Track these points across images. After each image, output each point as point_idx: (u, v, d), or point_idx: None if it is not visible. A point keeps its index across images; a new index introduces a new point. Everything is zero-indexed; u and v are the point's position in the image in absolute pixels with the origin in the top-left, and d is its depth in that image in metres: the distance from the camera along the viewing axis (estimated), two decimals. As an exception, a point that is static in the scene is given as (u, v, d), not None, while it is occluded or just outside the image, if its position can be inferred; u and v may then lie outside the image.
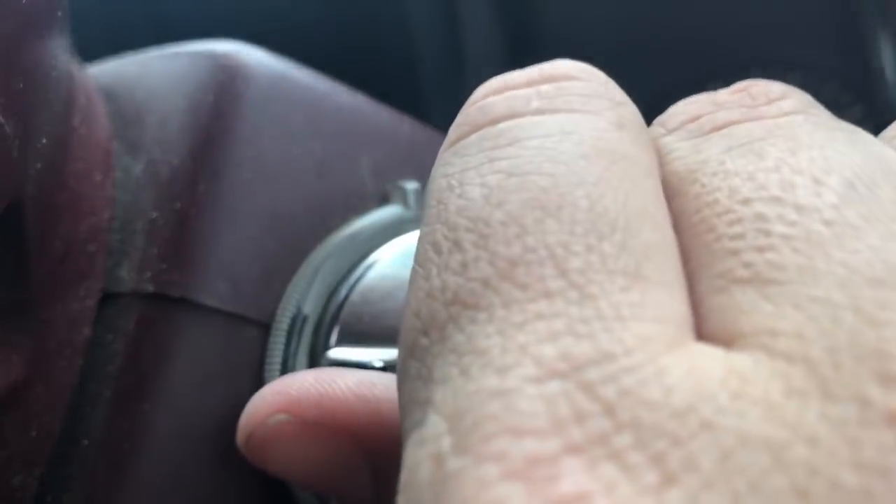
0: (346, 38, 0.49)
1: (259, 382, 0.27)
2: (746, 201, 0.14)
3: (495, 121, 0.16)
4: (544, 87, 0.17)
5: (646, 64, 0.49)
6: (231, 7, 0.47)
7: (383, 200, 0.30)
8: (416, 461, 0.13)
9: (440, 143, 0.31)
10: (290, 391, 0.23)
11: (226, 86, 0.28)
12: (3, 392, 0.24)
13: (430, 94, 0.51)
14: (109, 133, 0.28)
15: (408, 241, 0.28)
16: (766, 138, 0.16)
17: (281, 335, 0.27)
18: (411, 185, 0.29)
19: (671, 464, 0.11)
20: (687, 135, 0.17)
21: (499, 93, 0.17)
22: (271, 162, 0.28)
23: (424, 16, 0.49)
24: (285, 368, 0.27)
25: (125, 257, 0.27)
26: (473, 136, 0.16)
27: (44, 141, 0.24)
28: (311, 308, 0.27)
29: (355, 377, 0.22)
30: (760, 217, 0.14)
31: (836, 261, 0.13)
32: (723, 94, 0.18)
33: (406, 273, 0.28)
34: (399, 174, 0.30)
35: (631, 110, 0.17)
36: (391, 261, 0.28)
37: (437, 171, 0.17)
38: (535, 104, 0.16)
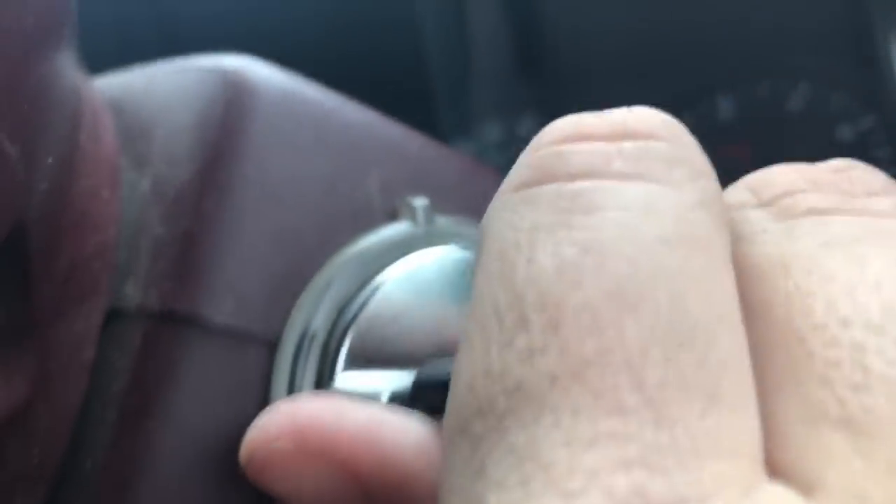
0: (356, 42, 0.48)
1: (265, 402, 0.26)
2: (845, 322, 0.13)
3: (572, 176, 0.15)
4: (627, 146, 0.15)
5: (655, 71, 0.49)
6: (239, 6, 0.47)
7: (392, 217, 0.29)
8: None
9: (449, 159, 0.31)
10: (296, 418, 0.22)
11: (234, 102, 0.27)
12: (7, 414, 0.23)
13: (439, 98, 0.51)
14: (116, 148, 0.28)
15: (416, 262, 0.28)
16: (867, 241, 0.14)
17: (288, 354, 0.27)
18: (420, 202, 0.29)
19: None
20: (780, 214, 0.16)
21: (576, 140, 0.16)
22: (279, 178, 0.27)
23: (433, 21, 0.49)
24: (292, 388, 0.27)
25: (130, 274, 0.26)
26: (547, 189, 0.15)
27: (50, 161, 0.23)
28: (318, 327, 0.27)
29: (365, 414, 0.22)
30: (859, 347, 0.13)
31: None
32: (820, 171, 0.16)
33: (414, 296, 0.28)
34: (408, 190, 0.30)
35: (712, 185, 0.16)
36: (400, 282, 0.28)
37: (502, 216, 0.15)
38: (617, 166, 0.15)
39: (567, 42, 0.50)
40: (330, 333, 0.27)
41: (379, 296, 0.27)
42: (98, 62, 0.30)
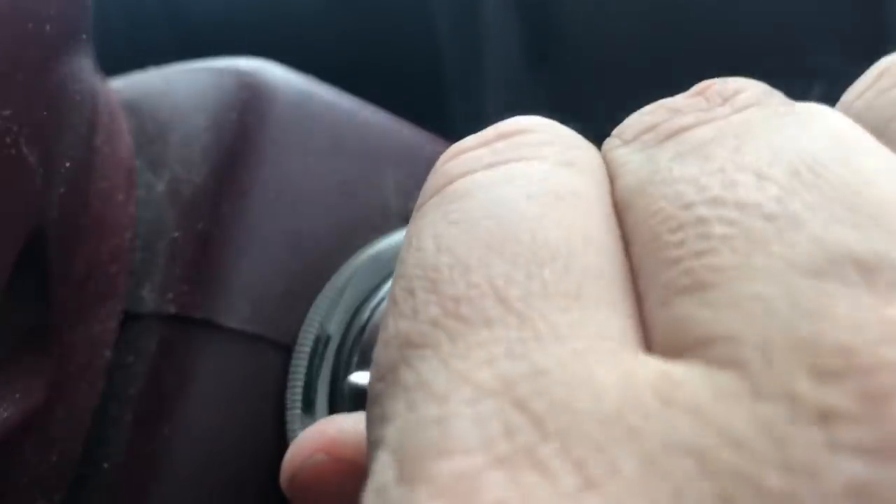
0: (368, 39, 0.48)
1: (281, 405, 0.27)
2: (688, 206, 0.14)
3: (451, 181, 0.17)
4: (497, 144, 0.17)
5: (668, 68, 0.49)
6: (253, 8, 0.47)
7: (407, 220, 0.29)
8: (365, 498, 0.13)
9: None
10: (327, 432, 0.23)
11: (250, 104, 0.27)
12: (25, 417, 0.24)
13: (451, 94, 0.51)
14: (132, 150, 0.28)
15: None
16: (716, 139, 0.16)
17: (303, 357, 0.27)
18: (435, 205, 0.29)
19: (593, 469, 0.11)
20: (641, 146, 0.17)
21: (456, 157, 0.17)
22: (295, 181, 0.27)
23: (446, 18, 0.49)
24: (307, 391, 0.27)
25: (147, 277, 0.27)
26: (433, 199, 0.17)
27: (67, 165, 0.23)
28: (334, 330, 0.27)
29: None
30: (701, 220, 0.14)
31: (774, 255, 0.13)
32: (679, 99, 0.17)
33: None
34: (423, 192, 0.30)
35: (585, 152, 0.17)
36: None
37: (407, 232, 0.17)
38: (486, 160, 0.17)
39: (580, 38, 0.50)
40: (345, 336, 0.27)
41: None
42: (114, 64, 0.30)
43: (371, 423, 0.15)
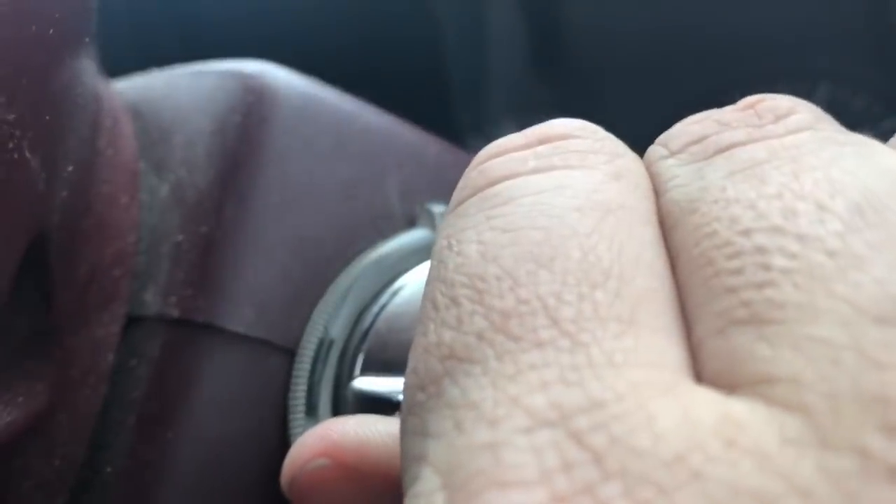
0: (374, 43, 0.48)
1: (284, 409, 0.26)
2: (746, 232, 0.14)
3: (493, 182, 0.16)
4: (541, 148, 0.17)
5: (673, 72, 0.49)
6: (257, 11, 0.47)
7: (411, 223, 0.29)
8: None
9: (467, 165, 0.31)
10: (330, 436, 0.22)
11: (253, 107, 0.27)
12: (27, 422, 0.23)
13: (456, 98, 0.51)
14: (135, 153, 0.28)
15: None
16: (770, 161, 0.15)
17: (306, 361, 0.27)
18: (439, 209, 0.29)
19: None
20: (689, 158, 0.17)
21: (498, 156, 0.17)
22: (298, 185, 0.27)
23: (451, 22, 0.49)
24: (310, 395, 0.27)
25: (150, 281, 0.27)
26: (473, 199, 0.16)
27: (70, 169, 0.23)
28: (337, 333, 0.27)
29: (395, 425, 0.22)
30: (760, 250, 0.14)
31: (838, 296, 0.13)
32: (728, 112, 0.17)
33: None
34: (426, 195, 0.30)
35: (629, 161, 0.17)
36: (417, 287, 0.28)
37: (440, 232, 0.17)
38: (531, 164, 0.16)
39: (584, 42, 0.50)
40: (348, 340, 0.27)
41: (396, 301, 0.27)
42: (118, 66, 0.30)
43: (409, 436, 0.14)
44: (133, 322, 0.26)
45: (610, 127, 0.18)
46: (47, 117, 0.21)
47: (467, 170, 0.18)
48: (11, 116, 0.20)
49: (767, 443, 0.12)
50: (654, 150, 0.18)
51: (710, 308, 0.14)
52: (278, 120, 0.27)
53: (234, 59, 0.29)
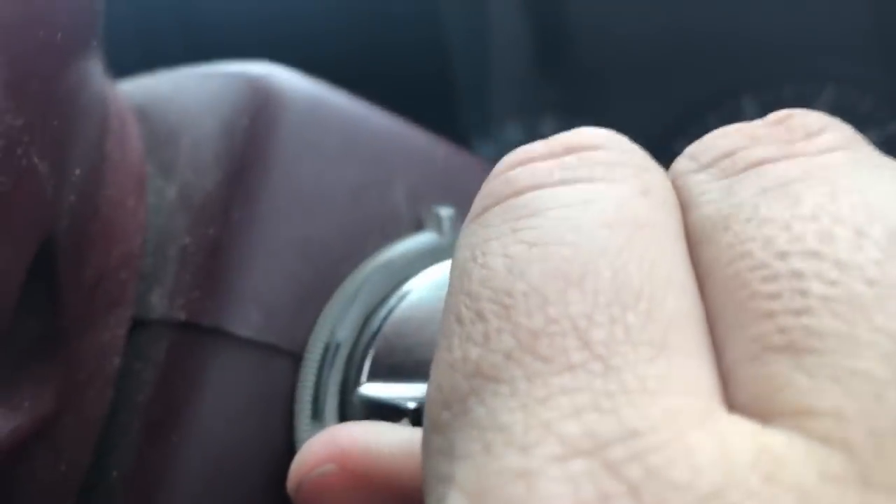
0: (380, 44, 0.48)
1: (289, 413, 0.26)
2: (783, 255, 0.14)
3: (518, 192, 0.16)
4: (567, 158, 0.16)
5: (678, 73, 0.49)
6: (263, 13, 0.47)
7: (418, 226, 0.29)
8: None
9: (474, 168, 0.31)
10: (338, 442, 0.22)
11: (261, 110, 0.27)
12: (33, 425, 0.23)
13: (461, 99, 0.51)
14: (142, 155, 0.28)
15: (442, 271, 0.28)
16: (804, 179, 0.15)
17: (313, 365, 0.27)
18: (446, 212, 0.29)
19: None
20: (720, 173, 0.16)
21: (522, 164, 0.17)
22: (306, 188, 0.27)
23: (456, 24, 0.48)
24: (316, 399, 0.27)
25: (157, 283, 0.26)
26: (497, 208, 0.16)
27: (78, 173, 0.23)
28: (344, 337, 0.27)
29: (403, 434, 0.22)
30: (797, 274, 0.13)
31: (879, 328, 0.12)
32: (759, 126, 0.17)
33: (439, 304, 0.28)
34: (434, 198, 0.30)
35: (657, 176, 0.17)
36: (425, 291, 0.28)
37: (462, 241, 0.17)
38: (557, 175, 0.16)
39: (589, 43, 0.50)
40: (355, 344, 0.27)
41: (403, 306, 0.27)
42: (124, 69, 0.30)
43: (433, 454, 0.14)
44: (139, 325, 0.26)
45: (614, 128, 0.18)
46: (55, 122, 0.21)
47: (490, 177, 0.17)
48: (20, 122, 0.20)
49: (807, 478, 0.11)
50: (682, 162, 0.17)
51: (744, 332, 0.13)
52: (285, 122, 0.27)
53: (241, 61, 0.29)
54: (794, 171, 0.15)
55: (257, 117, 0.27)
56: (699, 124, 0.47)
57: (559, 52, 0.50)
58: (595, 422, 0.12)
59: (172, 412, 0.25)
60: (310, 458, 0.23)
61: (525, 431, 0.13)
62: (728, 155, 0.16)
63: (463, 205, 0.30)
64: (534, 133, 0.50)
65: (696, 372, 0.13)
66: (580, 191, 0.16)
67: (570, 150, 0.17)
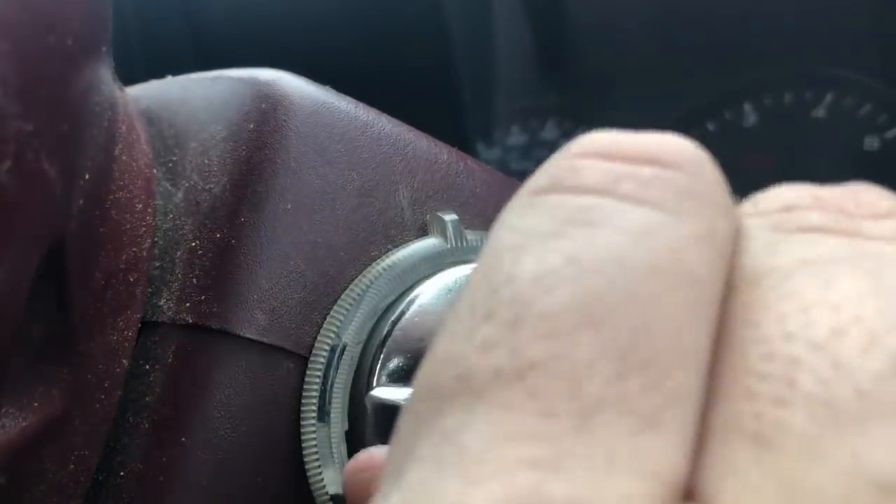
0: (385, 50, 0.48)
1: (296, 415, 0.27)
2: (788, 337, 0.13)
3: (581, 190, 0.15)
4: (643, 171, 0.15)
5: (680, 79, 0.49)
6: (271, 16, 0.47)
7: (421, 230, 0.29)
8: None
9: (477, 172, 0.31)
10: (377, 458, 0.24)
11: (268, 115, 0.28)
12: (43, 426, 0.24)
13: (464, 104, 0.51)
14: (150, 159, 0.28)
15: (451, 277, 0.28)
16: (848, 263, 0.14)
17: (318, 367, 0.27)
18: (450, 217, 0.29)
19: None
20: (772, 226, 0.16)
21: (596, 157, 0.16)
22: (312, 192, 0.28)
23: (460, 30, 0.49)
24: (322, 401, 0.27)
25: (164, 286, 0.27)
26: (554, 198, 0.15)
27: (87, 176, 0.23)
28: (350, 339, 0.27)
29: None
30: (793, 362, 0.13)
31: (847, 445, 0.12)
32: (828, 190, 0.16)
33: (448, 309, 0.28)
34: (437, 203, 0.30)
35: (724, 220, 0.15)
36: (434, 296, 0.28)
37: (507, 217, 0.15)
38: (626, 187, 0.15)
39: (591, 50, 0.50)
40: (364, 349, 0.27)
41: (414, 310, 0.28)
42: (132, 72, 0.30)
43: (401, 437, 0.14)
44: (147, 327, 0.26)
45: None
46: (65, 127, 0.22)
47: (560, 156, 0.16)
48: (30, 127, 0.20)
49: None
50: (745, 205, 0.17)
51: (727, 404, 0.13)
52: (292, 127, 0.28)
53: (247, 67, 0.30)
54: (842, 250, 0.14)
55: (264, 122, 0.28)
56: (700, 130, 0.47)
57: (562, 58, 0.50)
58: (547, 481, 0.12)
59: (180, 413, 0.26)
60: (356, 464, 0.24)
61: (478, 462, 0.12)
62: (787, 209, 0.16)
63: (465, 208, 0.30)
64: (536, 137, 0.51)
65: (671, 457, 0.13)
66: (642, 217, 0.14)
67: (651, 161, 0.15)
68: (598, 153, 0.16)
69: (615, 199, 0.15)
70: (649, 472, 0.12)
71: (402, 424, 0.14)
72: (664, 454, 0.13)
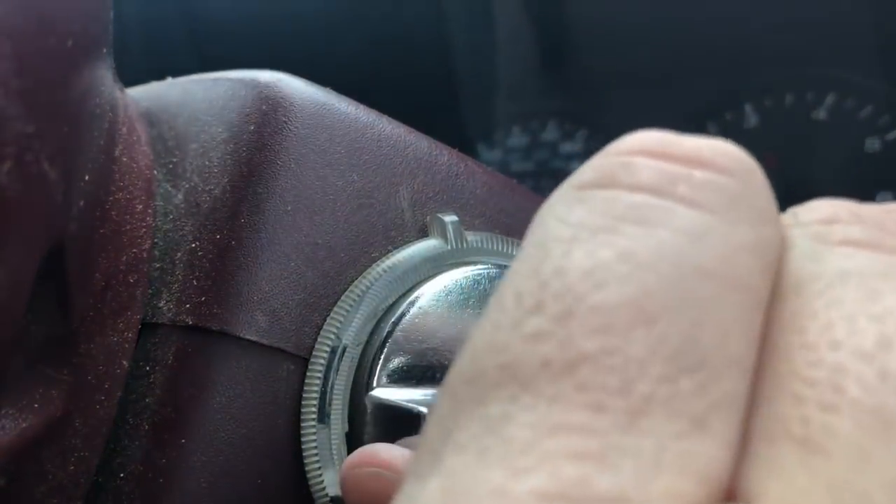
0: (386, 52, 0.48)
1: (296, 416, 0.27)
2: (835, 345, 0.13)
3: (634, 188, 0.15)
4: (696, 174, 0.15)
5: (681, 80, 0.49)
6: (271, 18, 0.47)
7: (422, 231, 0.29)
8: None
9: (478, 173, 0.31)
10: (378, 455, 0.24)
11: (268, 116, 0.28)
12: (43, 427, 0.24)
13: (465, 105, 0.51)
14: (150, 160, 0.28)
15: (451, 279, 0.28)
16: (887, 277, 0.14)
17: (319, 368, 0.27)
18: (450, 219, 0.29)
19: None
20: (813, 237, 0.16)
21: (649, 155, 0.15)
22: (312, 193, 0.28)
23: (461, 32, 0.49)
24: (323, 402, 0.27)
25: (164, 288, 0.27)
26: (605, 193, 0.15)
27: (87, 178, 0.23)
28: (350, 341, 0.27)
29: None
30: (840, 370, 0.13)
31: (894, 453, 0.12)
32: (867, 207, 0.16)
33: (448, 310, 0.28)
34: (438, 204, 0.30)
35: (772, 230, 0.15)
36: (434, 297, 0.28)
37: (554, 208, 0.15)
38: (680, 190, 0.15)
39: (592, 52, 0.50)
40: (364, 350, 0.27)
41: (414, 311, 0.28)
42: (132, 74, 0.30)
43: (438, 419, 0.14)
44: (147, 329, 0.26)
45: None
46: (65, 129, 0.22)
47: (611, 149, 0.16)
48: (30, 128, 0.20)
49: None
50: (785, 216, 0.17)
51: (773, 407, 0.13)
52: (292, 129, 0.28)
53: (248, 69, 0.30)
54: (879, 265, 0.15)
55: (264, 124, 0.28)
56: (701, 131, 0.47)
57: (563, 60, 0.50)
58: (593, 474, 0.12)
59: (180, 414, 0.26)
60: (354, 459, 0.24)
61: (523, 454, 0.12)
62: (826, 222, 0.16)
63: (465, 209, 0.30)
64: (536, 139, 0.51)
65: (717, 460, 0.13)
66: (696, 220, 0.14)
67: (705, 164, 0.15)
68: (649, 152, 0.16)
69: (671, 200, 0.15)
70: (695, 472, 0.12)
71: (439, 410, 0.14)
72: (710, 456, 0.13)
